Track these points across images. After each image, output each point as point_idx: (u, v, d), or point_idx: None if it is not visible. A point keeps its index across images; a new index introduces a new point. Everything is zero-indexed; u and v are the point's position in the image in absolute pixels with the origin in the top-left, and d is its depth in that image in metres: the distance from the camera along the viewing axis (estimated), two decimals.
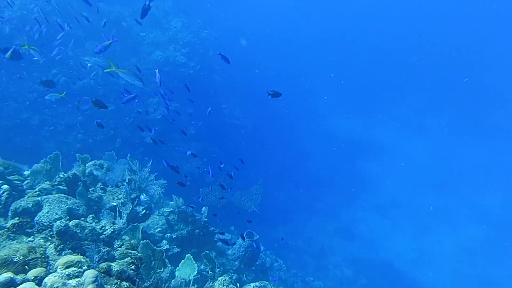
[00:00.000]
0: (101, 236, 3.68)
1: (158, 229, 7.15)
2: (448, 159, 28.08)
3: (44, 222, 3.65)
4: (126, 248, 3.09)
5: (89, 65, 13.01)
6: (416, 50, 39.45)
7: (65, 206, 4.00)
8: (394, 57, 38.61)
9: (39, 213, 3.77)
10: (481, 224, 22.17)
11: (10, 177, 4.70)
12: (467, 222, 22.45)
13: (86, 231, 3.41)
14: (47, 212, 3.77)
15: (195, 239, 7.15)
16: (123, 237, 3.81)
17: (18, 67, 11.83)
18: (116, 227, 3.84)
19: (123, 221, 4.27)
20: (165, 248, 6.81)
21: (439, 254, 19.93)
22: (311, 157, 25.07)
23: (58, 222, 3.22)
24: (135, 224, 4.25)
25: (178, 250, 6.88)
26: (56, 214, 3.81)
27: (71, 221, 3.41)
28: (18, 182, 4.66)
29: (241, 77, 22.09)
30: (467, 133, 30.64)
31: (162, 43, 16.85)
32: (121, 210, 4.47)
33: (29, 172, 4.82)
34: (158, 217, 7.34)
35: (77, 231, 3.31)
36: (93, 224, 3.84)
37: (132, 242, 3.23)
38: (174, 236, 6.96)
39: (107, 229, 3.76)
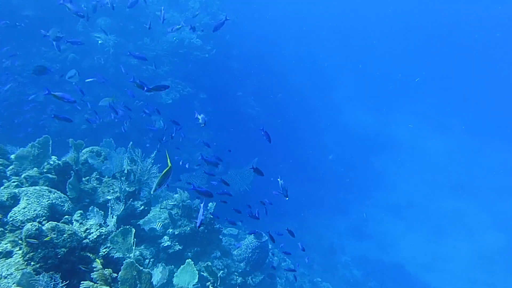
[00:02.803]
0: (84, 241, 3.10)
1: (160, 223, 6.59)
2: (469, 160, 26.90)
3: (19, 219, 3.09)
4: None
5: (99, 42, 12.42)
6: (439, 45, 37.81)
7: (47, 201, 3.43)
8: (416, 52, 37.09)
9: (14, 208, 3.20)
10: (500, 231, 21.15)
11: None
12: (486, 228, 21.46)
13: (64, 235, 2.83)
14: (24, 208, 3.21)
15: (199, 237, 6.58)
16: (108, 245, 3.21)
17: (26, 42, 11.33)
18: (103, 231, 3.26)
19: (113, 223, 3.69)
20: (166, 245, 6.27)
21: (454, 259, 19.10)
22: (324, 151, 24.29)
23: (28, 225, 2.64)
24: (127, 226, 3.66)
25: (180, 247, 6.32)
26: (35, 210, 3.24)
27: (47, 223, 2.84)
28: (1, 168, 4.11)
29: (259, 65, 21.29)
30: (490, 134, 29.29)
31: (178, 23, 16.12)
32: (113, 207, 3.89)
33: (14, 157, 4.26)
34: (160, 210, 6.78)
35: (53, 236, 2.73)
36: (77, 226, 3.26)
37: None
38: (176, 233, 6.40)
39: (92, 233, 3.18)
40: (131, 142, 5.13)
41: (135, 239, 3.56)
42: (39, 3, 11.63)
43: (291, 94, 24.23)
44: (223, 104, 15.85)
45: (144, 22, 14.38)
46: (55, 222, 2.88)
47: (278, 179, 6.73)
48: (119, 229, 3.60)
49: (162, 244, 6.26)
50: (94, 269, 2.66)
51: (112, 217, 3.77)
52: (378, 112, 30.99)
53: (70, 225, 3.44)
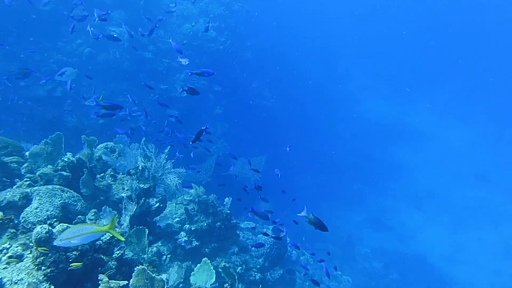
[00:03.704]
0: (97, 243, 3.00)
1: (176, 219, 6.53)
2: (492, 150, 25.94)
3: (31, 220, 3.02)
4: None
5: (114, 35, 12.36)
6: (459, 30, 36.26)
7: (59, 200, 3.35)
8: (435, 38, 35.72)
9: (27, 209, 3.13)
10: None
11: (7, 159, 4.11)
12: (511, 219, 20.71)
13: None
14: (36, 208, 3.14)
15: (215, 233, 6.48)
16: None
17: (44, 37, 11.37)
18: (117, 231, 3.16)
19: (126, 223, 3.59)
20: (183, 240, 6.19)
21: (478, 251, 18.54)
22: (340, 141, 23.87)
23: (38, 228, 2.55)
24: (141, 227, 3.55)
25: (197, 243, 6.24)
26: (47, 210, 3.16)
27: (58, 225, 2.75)
28: (15, 165, 4.06)
29: (273, 55, 20.94)
30: None
31: (192, 15, 15.94)
32: (126, 206, 3.79)
33: (28, 154, 4.21)
34: (176, 205, 6.70)
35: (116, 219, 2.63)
36: None
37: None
38: (193, 228, 6.31)
39: (105, 233, 3.09)
40: (143, 138, 5.01)
41: (149, 239, 3.45)
42: None
43: (306, 84, 23.81)
44: (237, 96, 15.67)
45: (158, 15, 14.26)
46: (66, 224, 2.79)
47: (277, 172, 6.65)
48: (133, 229, 3.50)
49: (179, 240, 6.19)
50: (101, 282, 2.55)
51: (126, 217, 3.67)
52: (396, 101, 30.20)
53: None
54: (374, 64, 32.49)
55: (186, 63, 5.30)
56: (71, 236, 2.12)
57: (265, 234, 5.70)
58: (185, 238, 6.22)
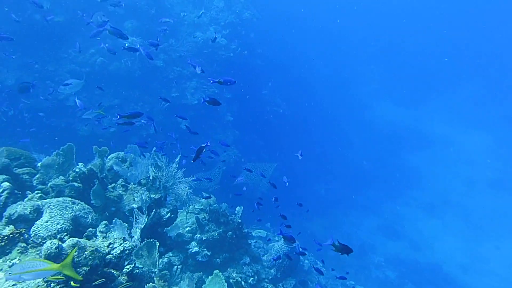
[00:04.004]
0: (107, 257, 2.95)
1: (187, 228, 6.47)
2: (510, 157, 25.27)
3: (42, 234, 2.99)
4: None
5: (126, 45, 12.49)
6: (473, 33, 35.59)
7: (70, 213, 3.32)
8: (448, 40, 35.13)
9: (37, 222, 3.10)
10: None
11: (19, 170, 4.12)
12: None
13: (86, 253, 2.69)
14: (47, 221, 3.10)
15: (227, 242, 6.39)
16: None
17: (55, 47, 11.55)
18: (127, 245, 3.10)
19: (137, 236, 3.54)
20: (194, 251, 6.13)
21: (496, 260, 17.98)
22: (352, 147, 23.59)
23: (48, 243, 2.51)
24: (151, 240, 3.50)
25: (208, 253, 6.16)
26: (58, 224, 3.13)
27: (68, 240, 2.70)
28: (27, 177, 4.06)
29: (283, 62, 20.92)
30: None
31: (203, 23, 16.05)
32: (137, 218, 3.74)
33: (40, 165, 4.21)
34: (187, 214, 6.65)
35: (74, 254, 2.59)
36: (99, 241, 3.12)
37: None
38: (204, 238, 6.24)
39: (116, 247, 3.03)
40: (154, 148, 4.99)
41: (160, 251, 3.39)
42: (68, 9, 11.83)
43: (318, 90, 23.69)
44: (248, 103, 15.64)
45: (170, 24, 14.38)
46: (76, 239, 2.75)
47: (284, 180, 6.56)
48: (144, 242, 3.45)
49: (190, 250, 6.13)
50: None
51: (137, 230, 3.62)
52: (409, 106, 29.77)
53: (94, 238, 3.33)
54: (386, 69, 32.17)
55: (200, 72, 5.31)
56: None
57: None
58: (196, 248, 6.15)
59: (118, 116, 4.24)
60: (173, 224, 5.89)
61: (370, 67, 31.79)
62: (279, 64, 20.00)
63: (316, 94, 23.22)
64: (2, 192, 3.45)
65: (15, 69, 10.42)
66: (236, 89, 14.92)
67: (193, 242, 6.27)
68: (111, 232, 3.40)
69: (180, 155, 5.24)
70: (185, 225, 6.51)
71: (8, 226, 2.96)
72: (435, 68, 32.38)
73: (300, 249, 5.07)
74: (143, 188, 4.52)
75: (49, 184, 4.09)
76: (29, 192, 3.66)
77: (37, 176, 4.12)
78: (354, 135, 24.58)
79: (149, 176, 4.76)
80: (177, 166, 5.14)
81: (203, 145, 3.61)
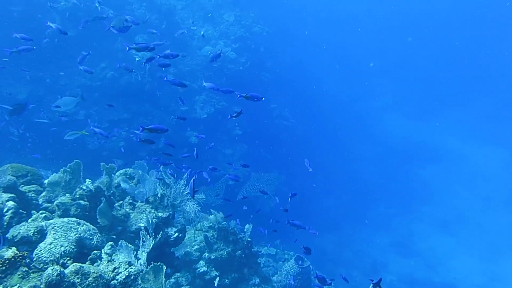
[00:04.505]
0: (112, 282, 2.80)
1: (196, 246, 6.29)
2: None
3: (45, 258, 2.85)
4: None
5: (137, 59, 12.59)
6: (490, 45, 35.14)
7: (75, 234, 3.19)
8: (462, 53, 34.76)
9: (40, 245, 2.97)
10: None
11: (25, 188, 4.03)
12: None
13: (89, 279, 2.54)
14: (50, 244, 2.98)
15: (236, 262, 6.18)
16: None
17: (68, 60, 11.67)
18: (133, 270, 2.95)
19: (143, 260, 3.39)
20: (202, 270, 5.94)
21: None
22: (362, 161, 23.24)
23: (49, 270, 2.38)
24: (158, 263, 3.34)
25: (217, 273, 5.96)
26: (61, 246, 3.00)
27: (71, 265, 2.57)
28: (33, 195, 3.97)
29: (293, 75, 20.91)
30: None
31: (213, 37, 16.18)
32: (144, 239, 3.59)
33: (46, 183, 4.12)
34: (195, 232, 6.48)
35: (76, 280, 2.45)
36: (104, 265, 2.98)
37: None
38: (212, 257, 6.05)
39: (121, 272, 2.88)
40: (161, 166, 4.87)
41: (167, 272, 3.24)
42: (79, 23, 11.99)
43: (327, 103, 23.56)
44: (257, 117, 15.56)
45: (179, 38, 14.51)
46: (79, 264, 2.61)
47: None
48: (150, 266, 3.30)
49: (198, 269, 5.95)
50: None
51: (143, 253, 3.48)
52: (421, 120, 29.36)
53: (99, 261, 3.18)
54: (398, 82, 31.91)
55: (208, 86, 5.26)
56: None
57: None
58: (205, 268, 5.97)
59: (141, 129, 4.05)
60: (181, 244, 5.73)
61: (381, 80, 31.58)
62: (288, 78, 19.97)
63: (326, 107, 23.07)
64: (7, 211, 3.34)
65: (27, 83, 10.52)
66: (245, 102, 14.86)
67: (201, 261, 6.09)
68: (116, 255, 3.26)
69: (188, 171, 5.13)
70: (193, 243, 6.34)
71: (11, 249, 2.84)
72: (448, 81, 32.00)
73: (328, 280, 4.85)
74: (150, 206, 4.39)
75: (55, 202, 3.99)
76: (34, 211, 3.56)
77: (43, 194, 4.02)
78: (364, 148, 24.27)
79: (157, 193, 4.64)
80: (185, 183, 5.01)
81: (194, 178, 3.47)
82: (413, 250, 18.77)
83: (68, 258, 2.87)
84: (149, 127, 3.96)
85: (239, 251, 6.21)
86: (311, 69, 24.86)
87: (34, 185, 4.17)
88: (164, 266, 3.28)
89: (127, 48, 5.43)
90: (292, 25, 26.60)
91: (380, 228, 19.74)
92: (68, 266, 2.65)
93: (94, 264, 3.05)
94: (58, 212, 3.92)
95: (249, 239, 6.45)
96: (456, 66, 33.20)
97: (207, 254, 6.11)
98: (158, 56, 5.51)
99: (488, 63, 33.39)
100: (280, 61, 19.97)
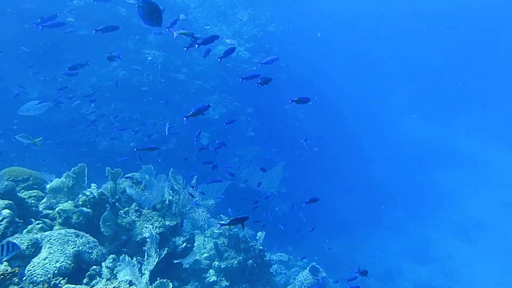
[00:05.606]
0: None
1: (205, 254, 6.00)
2: None
3: (37, 275, 2.60)
4: None
5: (149, 58, 12.42)
6: (508, 48, 34.12)
7: (72, 248, 2.93)
8: (481, 51, 33.69)
9: (34, 260, 2.72)
10: None
11: (25, 193, 3.80)
12: None
13: None
14: (45, 259, 2.72)
15: (247, 272, 5.87)
16: None
17: (79, 60, 11.54)
18: None
19: (145, 280, 3.11)
20: (211, 280, 5.64)
21: None
22: (377, 164, 22.66)
23: None
24: (164, 280, 3.07)
25: (227, 284, 5.66)
26: (57, 262, 2.74)
27: (65, 286, 2.30)
28: (33, 201, 3.74)
29: (307, 76, 20.51)
30: None
31: (226, 37, 15.92)
32: (149, 253, 3.31)
33: (48, 188, 3.88)
34: (205, 239, 6.19)
35: None
36: (102, 283, 2.71)
37: None
38: (223, 266, 5.75)
39: None
40: (171, 169, 4.58)
41: (174, 285, 2.96)
42: (92, 22, 11.88)
43: (342, 105, 23.07)
44: (270, 118, 15.25)
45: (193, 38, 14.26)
46: (73, 286, 2.34)
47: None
48: (155, 283, 3.01)
49: (208, 279, 5.65)
50: None
51: (146, 271, 3.20)
52: (438, 123, 28.56)
53: (98, 278, 2.91)
54: (414, 84, 31.17)
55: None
56: None
57: None
58: (214, 278, 5.67)
59: (185, 119, 3.78)
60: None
61: (397, 83, 30.89)
62: (302, 78, 19.59)
63: (340, 109, 22.60)
64: (2, 220, 3.10)
65: (38, 83, 10.43)
66: (258, 103, 14.57)
67: (211, 270, 5.80)
68: (118, 271, 2.99)
69: (195, 176, 4.84)
70: (203, 250, 6.06)
71: (1, 264, 2.59)
72: (466, 83, 31.10)
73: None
74: (157, 214, 4.11)
75: (56, 209, 3.74)
76: (33, 219, 3.32)
77: (44, 200, 3.79)
78: (379, 151, 23.69)
79: (165, 200, 4.36)
80: (194, 188, 4.73)
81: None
82: (429, 257, 18.15)
83: (62, 278, 2.60)
84: (190, 113, 3.63)
85: (250, 260, 5.90)
86: (326, 70, 24.42)
87: (35, 191, 3.95)
88: (170, 284, 3.00)
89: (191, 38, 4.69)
90: (308, 25, 26.16)
91: (395, 233, 19.18)
92: (62, 287, 2.39)
93: (93, 282, 2.78)
94: (59, 220, 3.68)
95: (261, 247, 6.13)
96: (475, 68, 32.28)
97: (217, 262, 5.82)
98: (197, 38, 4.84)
99: (508, 64, 32.35)
100: (294, 61, 19.59)
